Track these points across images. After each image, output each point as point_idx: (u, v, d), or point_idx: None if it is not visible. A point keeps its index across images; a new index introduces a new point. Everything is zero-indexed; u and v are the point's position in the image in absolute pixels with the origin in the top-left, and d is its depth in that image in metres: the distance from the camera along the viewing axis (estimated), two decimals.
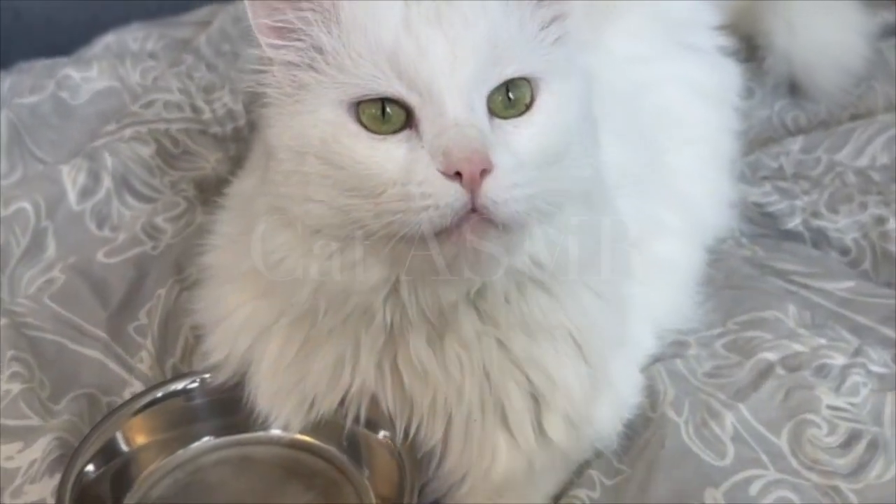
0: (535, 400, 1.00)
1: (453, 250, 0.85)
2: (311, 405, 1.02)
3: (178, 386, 1.08)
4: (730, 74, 1.42)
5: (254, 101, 1.53)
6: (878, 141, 1.60)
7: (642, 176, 1.16)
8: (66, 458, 1.04)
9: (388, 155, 0.84)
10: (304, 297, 0.94)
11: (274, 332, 1.02)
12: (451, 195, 0.81)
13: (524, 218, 0.85)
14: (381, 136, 0.85)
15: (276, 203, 0.91)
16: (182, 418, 1.07)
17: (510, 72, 0.86)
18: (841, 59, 1.71)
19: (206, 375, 1.06)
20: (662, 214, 1.21)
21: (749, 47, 1.69)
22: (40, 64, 1.77)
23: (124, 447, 1.04)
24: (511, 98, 0.87)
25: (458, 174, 0.81)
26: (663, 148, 1.27)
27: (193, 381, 1.07)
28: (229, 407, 1.06)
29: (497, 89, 0.87)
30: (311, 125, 0.87)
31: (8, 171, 1.53)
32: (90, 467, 1.00)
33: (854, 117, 1.69)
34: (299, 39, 0.89)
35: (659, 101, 1.29)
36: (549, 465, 1.04)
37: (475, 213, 0.82)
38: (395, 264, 0.90)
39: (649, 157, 1.22)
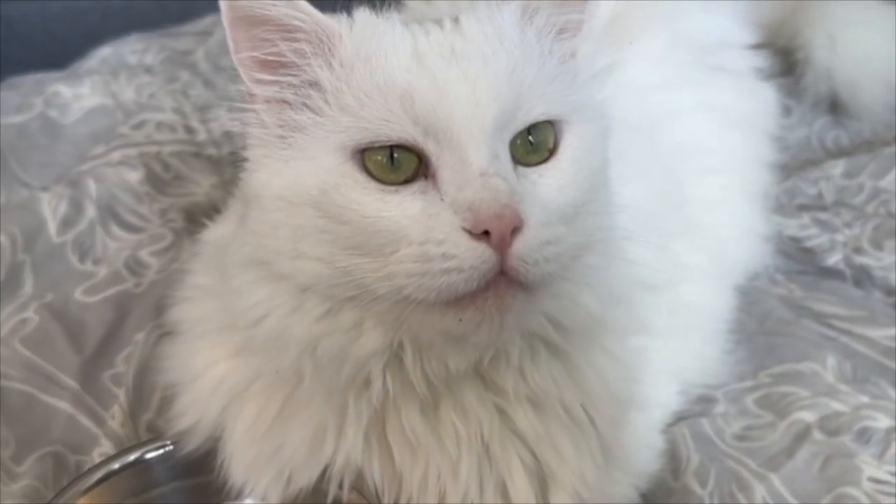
0: (541, 478, 0.91)
1: (477, 317, 0.76)
2: (290, 478, 0.92)
3: (138, 454, 0.98)
4: (763, 99, 1.34)
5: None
6: None
7: (665, 214, 1.07)
8: None
9: (401, 210, 0.75)
10: (290, 360, 0.84)
11: (250, 394, 0.92)
12: (478, 257, 0.72)
13: (554, 278, 0.77)
14: (393, 188, 0.76)
15: (258, 255, 0.82)
16: (142, 487, 0.98)
17: (535, 115, 0.79)
18: (886, 74, 1.59)
19: (170, 445, 0.96)
20: (686, 255, 1.10)
21: (786, 63, 1.59)
22: (30, 79, 1.67)
23: None
24: (532, 142, 0.79)
25: (486, 233, 0.72)
26: (685, 180, 1.18)
27: (157, 449, 0.97)
28: (195, 469, 0.96)
29: (519, 133, 0.78)
30: (309, 173, 0.78)
31: None
32: None
33: None
34: (292, 74, 0.80)
35: (682, 131, 1.20)
36: None
37: (503, 276, 0.73)
38: (400, 329, 0.80)
39: (670, 193, 1.13)
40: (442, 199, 0.74)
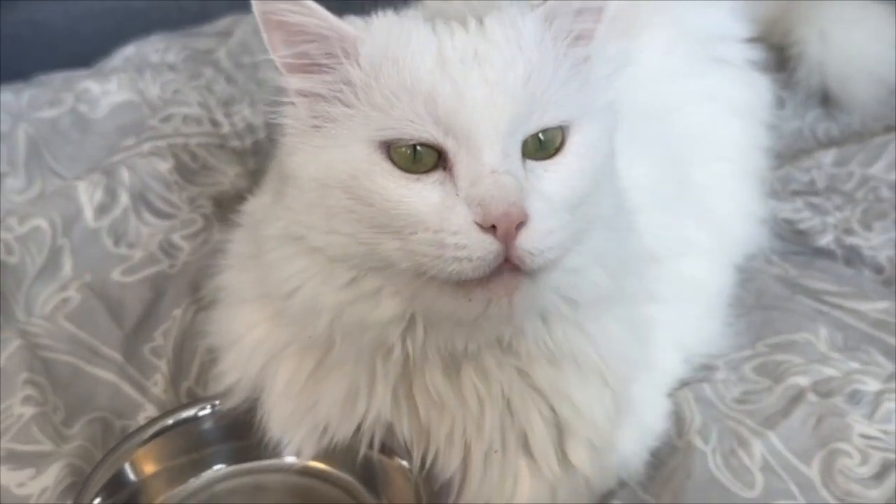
0: (558, 427, 0.98)
1: (485, 297, 0.83)
2: (324, 431, 1.00)
3: (189, 413, 1.05)
4: (760, 89, 1.39)
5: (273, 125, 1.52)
6: None
7: (669, 193, 1.14)
8: (77, 485, 1.02)
9: (422, 198, 0.82)
10: (321, 328, 0.91)
11: (286, 356, 0.99)
12: (486, 248, 0.79)
13: (556, 264, 0.84)
14: (415, 177, 0.83)
15: (292, 230, 0.89)
16: (193, 445, 1.05)
17: (547, 120, 0.85)
18: (876, 69, 1.67)
19: (217, 402, 1.04)
20: (689, 232, 1.18)
21: (780, 58, 1.66)
22: (59, 76, 1.76)
23: (132, 477, 1.01)
24: (542, 140, 0.85)
25: (494, 227, 0.79)
26: (690, 164, 1.24)
27: (204, 408, 1.05)
28: (241, 431, 1.03)
29: (530, 135, 0.84)
30: (341, 160, 0.84)
31: (26, 186, 1.52)
32: (97, 501, 0.98)
33: (888, 129, 1.65)
34: (325, 72, 0.86)
35: (686, 118, 1.26)
36: (573, 493, 1.01)
37: (508, 263, 0.80)
38: (414, 301, 0.87)
39: (676, 174, 1.19)
40: (458, 194, 0.81)
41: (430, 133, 0.82)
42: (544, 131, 0.85)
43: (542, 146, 0.85)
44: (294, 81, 0.87)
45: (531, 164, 0.84)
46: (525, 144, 0.84)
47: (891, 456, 1.06)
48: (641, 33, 1.26)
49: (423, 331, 0.91)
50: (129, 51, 1.85)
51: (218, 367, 1.05)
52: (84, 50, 1.89)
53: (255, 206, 1.05)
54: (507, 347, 0.94)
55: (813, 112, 1.71)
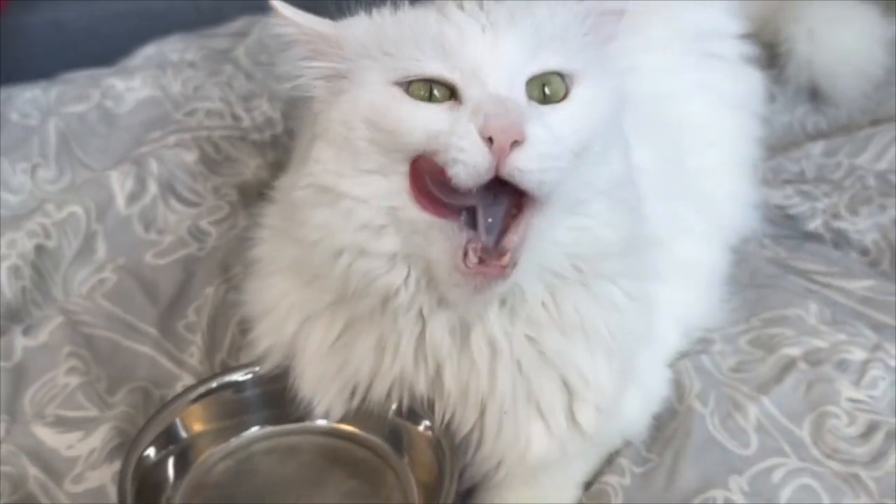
0: (568, 392, 1.05)
1: (464, 295, 0.93)
2: (353, 392, 1.07)
3: (232, 377, 1.13)
4: (752, 82, 1.46)
5: (292, 110, 1.61)
6: None
7: (669, 179, 1.22)
8: (124, 446, 1.10)
9: (433, 116, 0.90)
10: (339, 272, 0.98)
11: (317, 320, 1.06)
12: (480, 157, 0.86)
13: (547, 190, 0.89)
14: (428, 104, 0.91)
15: (321, 181, 0.96)
16: (234, 409, 1.12)
17: (550, 64, 0.93)
18: (861, 65, 1.75)
19: (256, 368, 1.12)
20: (688, 216, 1.26)
21: (771, 55, 1.74)
22: (84, 74, 1.84)
23: (183, 434, 1.09)
24: (546, 92, 0.93)
25: (490, 140, 0.86)
26: (688, 152, 1.31)
27: (246, 374, 1.12)
28: (277, 399, 1.11)
29: (535, 81, 0.92)
30: (365, 100, 0.93)
31: (57, 176, 1.61)
32: (151, 451, 1.06)
33: (874, 122, 1.73)
34: (337, 57, 0.97)
35: (683, 110, 1.33)
36: (581, 451, 1.09)
37: (504, 185, 0.88)
38: (408, 244, 0.95)
39: (675, 160, 1.27)
40: (465, 110, 0.89)
41: (440, 70, 0.91)
42: (549, 83, 0.93)
43: (547, 97, 0.93)
44: (310, 68, 0.98)
45: (535, 104, 0.92)
46: (530, 88, 0.92)
47: (876, 417, 1.14)
48: (642, 30, 1.34)
49: (419, 283, 0.98)
50: (149, 50, 1.94)
51: (252, 334, 1.12)
52: (104, 49, 1.97)
53: (285, 182, 1.13)
54: (514, 313, 1.00)
55: (802, 107, 1.80)
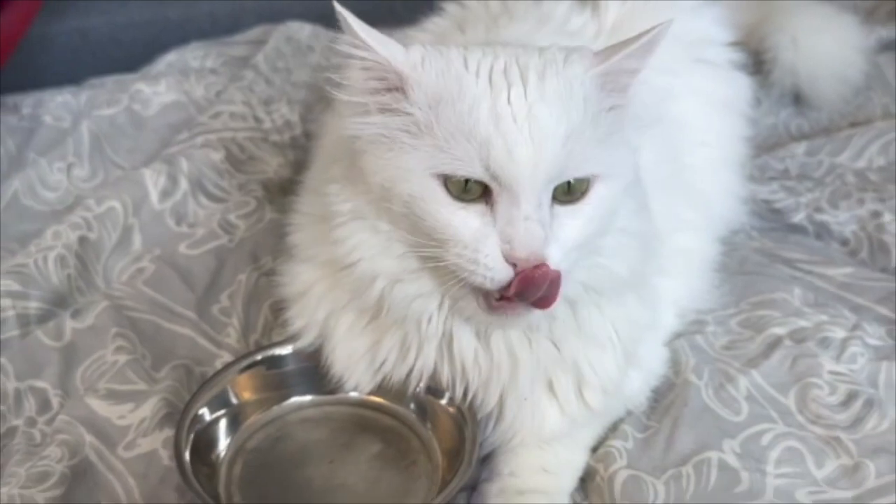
0: (578, 379, 1.16)
1: (500, 317, 1.04)
2: (379, 370, 1.17)
3: (275, 352, 1.24)
4: (740, 86, 1.56)
5: (308, 113, 1.72)
6: (875, 145, 1.76)
7: (667, 175, 1.32)
8: (172, 416, 1.21)
9: (465, 222, 0.98)
10: (375, 294, 1.08)
11: (347, 308, 1.16)
12: (506, 275, 0.98)
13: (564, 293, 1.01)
14: (462, 204, 0.98)
15: (361, 211, 1.06)
16: (276, 381, 1.24)
17: (578, 174, 0.99)
18: (841, 71, 1.87)
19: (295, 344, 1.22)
20: (682, 210, 1.37)
21: (757, 61, 1.84)
22: (111, 80, 1.95)
23: (234, 400, 1.21)
24: (571, 186, 1.00)
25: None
26: (682, 151, 1.41)
27: (287, 349, 1.23)
28: (313, 374, 1.22)
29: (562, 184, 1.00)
30: (404, 180, 0.99)
31: (90, 175, 1.72)
32: (205, 412, 1.17)
33: (853, 125, 1.84)
34: (394, 101, 1.01)
35: (678, 110, 1.42)
36: (589, 422, 1.21)
37: None
38: (445, 287, 1.05)
39: (672, 159, 1.37)
40: (494, 226, 0.97)
41: (480, 174, 0.96)
42: (574, 181, 1.00)
43: (570, 191, 1.00)
44: (370, 101, 1.02)
45: (557, 208, 0.99)
46: (556, 191, 0.99)
47: (855, 387, 1.25)
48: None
49: (450, 308, 1.09)
50: (170, 57, 2.05)
51: (287, 314, 1.22)
52: (125, 56, 2.09)
53: (310, 175, 1.27)
54: (537, 327, 1.11)
55: (786, 110, 1.91)
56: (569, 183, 0.99)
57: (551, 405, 1.17)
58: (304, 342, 1.21)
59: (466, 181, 0.98)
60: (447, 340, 1.13)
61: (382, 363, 1.17)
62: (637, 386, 1.25)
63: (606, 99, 1.03)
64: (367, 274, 1.07)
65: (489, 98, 0.97)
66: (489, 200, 0.98)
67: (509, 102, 0.96)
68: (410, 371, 1.16)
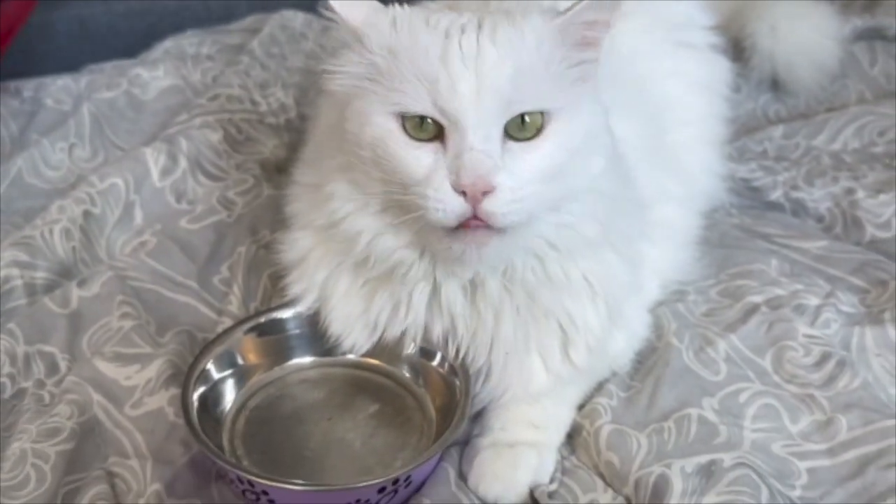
0: (563, 335, 1.22)
1: (461, 247, 1.09)
2: (374, 330, 1.23)
3: (278, 315, 1.30)
4: (720, 68, 1.62)
5: (303, 97, 1.77)
6: (849, 129, 1.82)
7: (650, 150, 1.38)
8: (178, 377, 1.26)
9: (418, 160, 1.05)
10: (361, 248, 1.15)
11: (341, 273, 1.23)
12: (457, 206, 1.04)
13: (522, 223, 1.07)
14: (417, 143, 1.05)
15: (347, 163, 1.13)
16: (277, 345, 1.30)
17: (526, 108, 1.05)
18: (817, 58, 1.92)
19: (298, 308, 1.28)
20: (667, 183, 1.43)
21: (736, 48, 1.90)
22: (110, 65, 2.01)
23: (240, 361, 1.27)
24: (525, 122, 1.05)
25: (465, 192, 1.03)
26: (666, 128, 1.48)
27: (287, 312, 1.29)
28: (312, 336, 1.28)
29: (513, 118, 1.05)
30: (367, 122, 1.07)
31: (91, 155, 1.77)
32: (212, 368, 1.24)
33: (829, 110, 1.91)
34: (360, 54, 1.10)
35: (661, 90, 1.49)
36: (575, 380, 1.26)
37: (478, 220, 1.05)
38: (419, 235, 1.13)
39: (656, 135, 1.43)
40: (444, 160, 1.05)
41: (431, 111, 1.04)
42: (527, 115, 1.05)
43: (524, 128, 1.05)
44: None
45: (511, 144, 1.05)
46: (509, 125, 1.04)
47: (829, 349, 1.31)
48: (621, 21, 1.50)
49: (432, 259, 1.16)
50: (167, 44, 2.10)
51: (287, 279, 1.28)
52: (123, 44, 2.14)
53: (310, 145, 1.32)
54: (509, 278, 1.17)
55: (765, 96, 1.96)
56: (522, 119, 1.05)
57: (536, 362, 1.22)
58: (304, 305, 1.27)
59: (422, 121, 1.05)
60: (436, 296, 1.19)
61: (377, 322, 1.23)
62: (621, 346, 1.30)
63: (573, 51, 1.09)
64: (352, 229, 1.15)
65: (441, 45, 1.05)
66: (442, 139, 1.05)
67: (460, 47, 1.04)
68: (405, 331, 1.22)
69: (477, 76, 1.02)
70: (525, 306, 1.19)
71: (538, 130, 1.06)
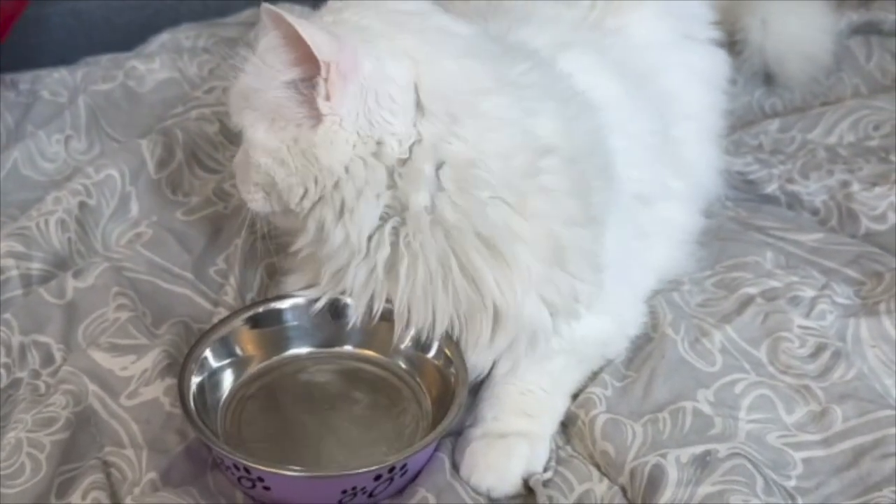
0: (496, 313, 1.19)
1: None
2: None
3: (276, 305, 1.31)
4: (720, 62, 1.63)
5: None
6: (845, 122, 1.83)
7: (658, 146, 1.40)
8: (174, 367, 1.26)
9: None
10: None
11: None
12: None
13: None
14: None
15: None
16: (277, 335, 1.31)
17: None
18: (808, 52, 1.93)
19: (295, 299, 1.30)
20: (670, 180, 1.43)
21: (729, 42, 1.88)
22: (106, 58, 1.99)
23: (239, 352, 1.28)
24: None
25: None
26: (669, 122, 1.48)
27: (285, 303, 1.31)
28: (310, 330, 1.30)
29: None
30: None
31: (87, 147, 1.77)
32: (209, 356, 1.24)
33: (824, 104, 1.91)
34: None
35: (666, 83, 1.49)
36: (568, 366, 1.27)
37: None
38: None
39: (661, 129, 1.44)
40: None
41: None
42: None
43: None
44: None
45: None
46: None
47: (824, 341, 1.32)
48: (630, 11, 1.51)
49: None
50: (163, 37, 2.09)
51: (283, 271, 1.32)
52: (119, 38, 2.12)
53: None
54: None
55: (760, 90, 1.97)
56: None
57: (484, 318, 1.20)
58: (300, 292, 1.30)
59: None
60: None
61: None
62: (611, 332, 1.32)
63: None
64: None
65: None
66: None
67: None
68: (370, 301, 1.23)
69: None
70: (450, 266, 1.18)
71: None
